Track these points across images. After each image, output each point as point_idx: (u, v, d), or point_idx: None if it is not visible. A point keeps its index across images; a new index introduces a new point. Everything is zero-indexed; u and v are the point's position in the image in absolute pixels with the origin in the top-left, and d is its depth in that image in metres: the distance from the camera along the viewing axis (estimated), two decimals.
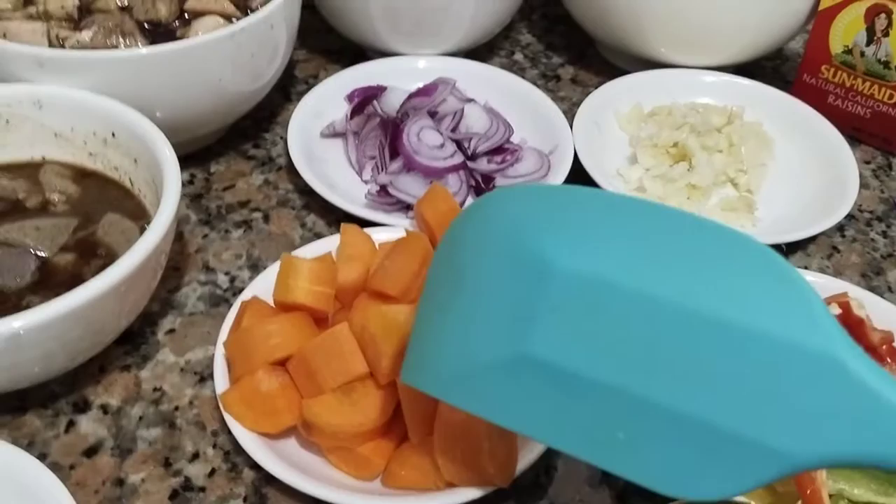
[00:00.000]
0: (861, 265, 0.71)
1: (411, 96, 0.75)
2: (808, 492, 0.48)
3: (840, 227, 0.74)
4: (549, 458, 0.55)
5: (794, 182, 0.74)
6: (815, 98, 0.82)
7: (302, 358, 0.50)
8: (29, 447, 0.52)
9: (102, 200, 0.59)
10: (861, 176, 0.79)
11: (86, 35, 0.64)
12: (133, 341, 0.59)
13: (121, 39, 0.64)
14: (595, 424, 0.37)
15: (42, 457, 0.52)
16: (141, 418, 0.55)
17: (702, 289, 0.35)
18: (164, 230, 0.51)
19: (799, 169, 0.76)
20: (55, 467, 0.51)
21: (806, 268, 0.68)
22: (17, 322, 0.45)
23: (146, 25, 0.66)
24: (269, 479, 0.51)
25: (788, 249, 0.70)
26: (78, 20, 0.66)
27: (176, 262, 0.65)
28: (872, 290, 0.68)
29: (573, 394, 0.37)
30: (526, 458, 0.50)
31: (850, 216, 0.75)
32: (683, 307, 0.35)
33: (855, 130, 0.82)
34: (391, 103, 0.75)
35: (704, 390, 0.35)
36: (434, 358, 0.41)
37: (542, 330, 0.36)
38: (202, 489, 0.52)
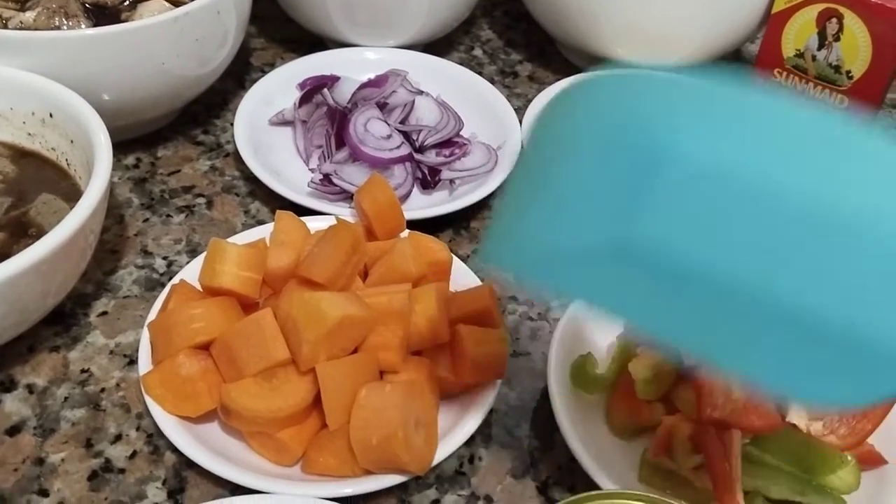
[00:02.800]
0: None
1: (362, 87, 0.75)
2: (722, 487, 0.49)
3: None
4: (473, 448, 0.55)
5: None
6: None
7: (224, 342, 0.50)
8: None
9: (39, 180, 0.59)
10: None
11: (29, 16, 0.63)
12: (64, 322, 0.59)
13: (64, 21, 0.63)
14: (701, 316, 0.35)
15: None
16: (66, 399, 0.55)
17: (834, 183, 0.33)
18: (89, 211, 0.51)
19: None
20: None
21: None
22: None
23: (91, 8, 0.66)
24: (190, 463, 0.51)
25: None
26: (23, 1, 0.66)
27: (114, 244, 0.65)
28: None
29: (681, 284, 0.34)
30: (446, 448, 0.50)
31: None
32: (815, 200, 0.32)
33: None
34: (343, 93, 0.75)
35: (831, 287, 0.33)
36: (522, 240, 0.38)
37: (653, 214, 0.33)
38: (122, 471, 0.52)
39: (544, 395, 0.55)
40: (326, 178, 0.68)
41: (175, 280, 0.56)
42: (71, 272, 0.54)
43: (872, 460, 0.53)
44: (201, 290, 0.54)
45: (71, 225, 0.49)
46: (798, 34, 0.78)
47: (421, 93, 0.75)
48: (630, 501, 0.44)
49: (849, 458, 0.51)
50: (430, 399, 0.51)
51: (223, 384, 0.49)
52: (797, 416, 0.52)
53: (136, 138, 0.73)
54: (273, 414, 0.48)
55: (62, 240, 0.49)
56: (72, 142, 0.59)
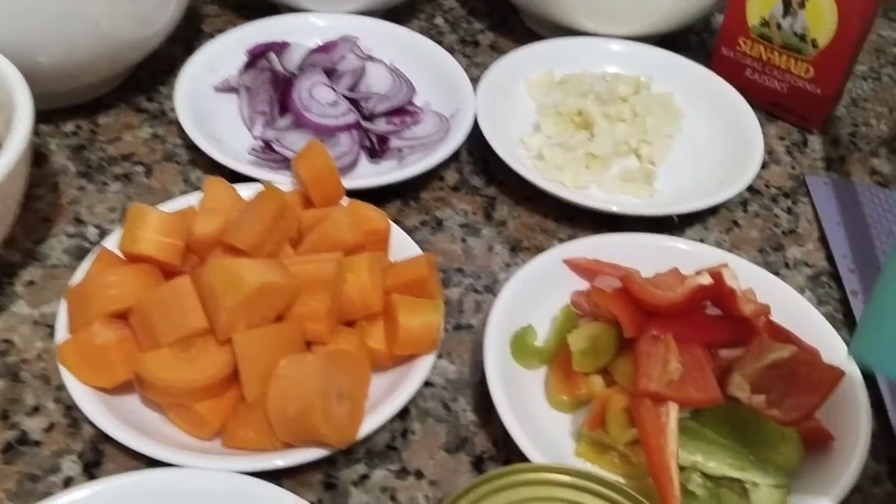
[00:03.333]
0: (760, 240, 0.69)
1: (311, 53, 0.72)
2: (656, 461, 0.47)
3: (743, 202, 0.72)
4: (406, 422, 0.53)
5: (699, 156, 0.73)
6: (733, 72, 0.80)
7: (140, 310, 0.48)
8: None
9: None
10: (773, 152, 0.78)
11: None
12: None
13: None
14: None
15: None
16: None
17: None
18: (2, 173, 0.48)
19: (706, 143, 0.74)
20: None
21: (702, 241, 0.66)
22: None
23: None
24: (109, 437, 0.49)
25: (686, 222, 0.69)
26: None
27: (46, 212, 0.63)
28: (768, 265, 0.66)
29: None
30: (373, 421, 0.49)
31: (755, 191, 0.73)
32: None
33: (772, 106, 0.81)
34: (292, 60, 0.72)
35: None
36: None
37: None
38: (37, 443, 0.50)
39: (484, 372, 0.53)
40: (268, 145, 0.65)
41: (99, 247, 0.54)
42: None
43: (819, 436, 0.51)
44: (123, 257, 0.52)
45: None
46: (763, 1, 0.76)
47: (372, 59, 0.73)
48: (556, 475, 0.43)
49: (792, 433, 0.49)
50: (358, 371, 0.49)
51: (138, 354, 0.47)
52: (738, 390, 0.50)
53: (77, 105, 0.71)
54: (189, 385, 0.46)
55: None
56: None
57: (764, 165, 0.75)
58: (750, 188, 0.73)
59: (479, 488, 0.41)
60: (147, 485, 0.44)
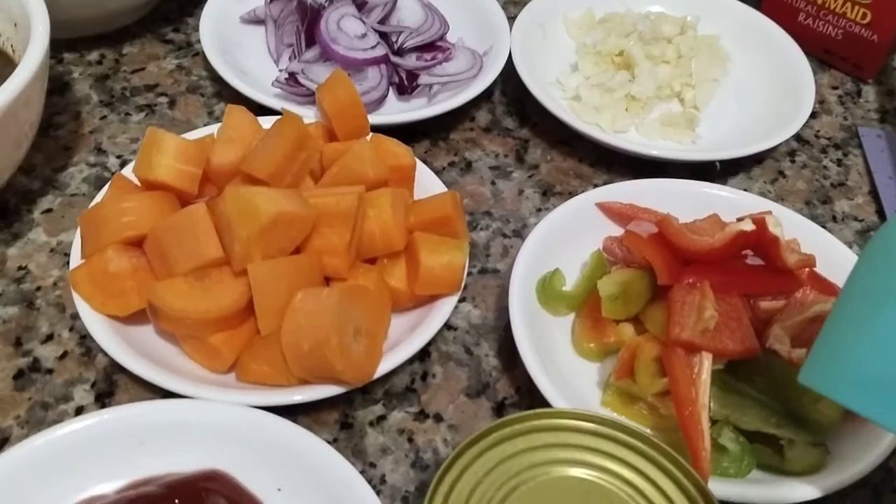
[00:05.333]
0: (807, 192, 0.66)
1: None
2: (686, 413, 0.45)
3: (791, 152, 0.69)
4: (427, 365, 0.51)
5: (745, 102, 0.69)
6: (785, 16, 0.76)
7: (155, 237, 0.46)
8: None
9: None
10: (825, 101, 0.74)
11: None
12: (6, 218, 0.56)
13: None
14: None
15: None
16: (0, 295, 0.52)
17: None
18: (13, 94, 0.47)
19: (753, 88, 0.70)
20: None
21: (746, 190, 0.63)
22: None
23: None
24: (122, 367, 0.48)
25: (729, 171, 0.65)
26: None
27: (67, 141, 0.61)
28: (815, 218, 0.63)
29: None
30: (392, 361, 0.47)
31: (804, 141, 0.70)
32: None
33: (825, 53, 0.77)
34: None
35: None
36: (855, 364, 0.38)
37: None
38: (50, 371, 0.49)
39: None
40: (293, 77, 0.63)
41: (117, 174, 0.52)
42: (4, 159, 0.50)
43: None
44: (139, 184, 0.51)
45: None
46: None
47: None
48: (579, 421, 0.41)
49: None
50: (377, 308, 0.47)
51: (152, 283, 0.46)
52: (778, 343, 0.47)
53: (103, 35, 0.69)
54: (203, 316, 0.45)
55: None
56: (15, 25, 0.55)
57: (814, 115, 0.72)
58: (799, 138, 0.69)
59: (498, 431, 0.40)
60: (159, 415, 0.43)
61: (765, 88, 0.70)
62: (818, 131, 0.71)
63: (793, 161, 0.68)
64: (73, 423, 0.42)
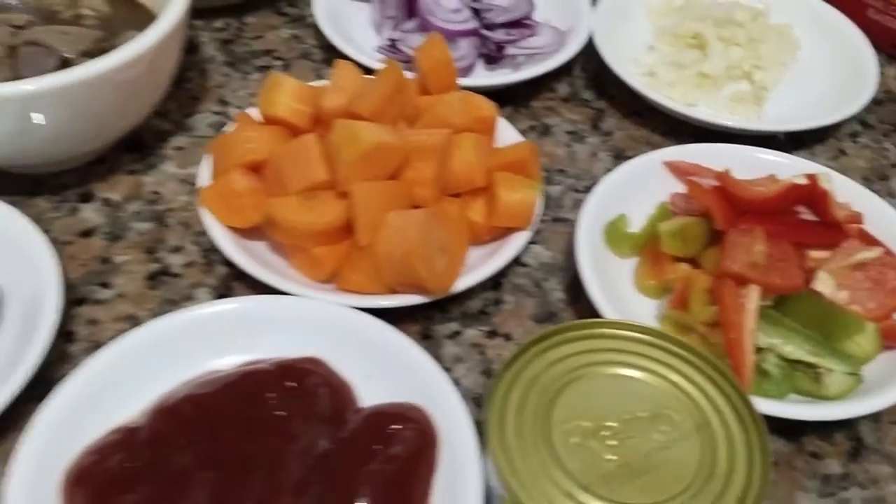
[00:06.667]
0: (866, 169, 0.69)
1: None
2: (732, 337, 0.50)
3: (853, 134, 0.72)
4: (499, 293, 0.57)
5: (811, 85, 0.73)
6: (856, 11, 0.79)
7: (272, 161, 0.54)
8: (35, 224, 0.58)
9: (128, 21, 0.64)
10: (890, 91, 0.77)
11: None
12: (142, 151, 0.64)
13: None
14: None
15: (45, 232, 0.58)
16: (136, 213, 0.60)
17: None
18: (156, 38, 0.55)
19: (820, 74, 0.74)
20: (53, 242, 0.56)
21: None
22: (28, 86, 0.50)
23: None
24: (238, 276, 0.56)
25: (792, 146, 0.70)
26: None
27: (195, 92, 0.70)
28: (872, 193, 0.67)
29: None
30: (469, 279, 0.53)
31: (867, 125, 0.73)
32: None
33: (894, 48, 0.80)
34: None
35: None
36: None
37: None
38: (177, 275, 0.57)
39: None
40: (394, 44, 0.70)
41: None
42: (142, 98, 0.59)
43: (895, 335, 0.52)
44: (261, 120, 0.59)
45: (135, 47, 0.54)
46: None
47: None
48: (632, 332, 0.46)
49: (869, 324, 0.51)
50: (457, 232, 0.54)
51: (269, 199, 0.53)
52: (823, 285, 0.52)
53: (228, 6, 0.78)
54: (310, 227, 0.52)
55: (131, 56, 0.53)
56: None
57: (879, 102, 0.75)
58: (862, 122, 0.73)
59: (559, 334, 0.45)
60: (270, 308, 0.50)
61: (831, 74, 0.74)
62: (882, 118, 0.74)
63: (854, 141, 0.72)
64: (200, 308, 0.50)
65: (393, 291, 0.52)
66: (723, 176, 0.56)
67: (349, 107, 0.55)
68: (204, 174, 0.57)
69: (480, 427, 0.42)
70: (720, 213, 0.54)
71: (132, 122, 0.60)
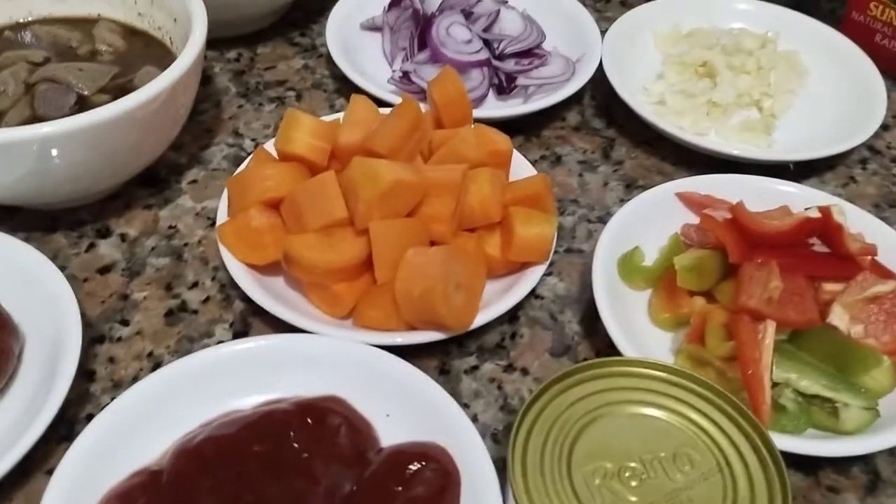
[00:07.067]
0: (875, 196, 0.70)
1: None
2: (749, 373, 0.50)
3: (863, 160, 0.73)
4: (516, 327, 0.58)
5: (821, 112, 0.74)
6: (863, 36, 0.80)
7: (291, 199, 0.54)
8: (52, 260, 0.59)
9: (144, 55, 0.65)
10: None
11: None
12: (158, 186, 0.65)
13: None
14: None
15: (61, 269, 0.58)
16: (153, 248, 0.61)
17: None
18: (177, 75, 0.56)
19: (829, 101, 0.75)
20: (71, 279, 0.57)
21: None
22: (46, 128, 0.51)
23: None
24: (256, 311, 0.56)
25: (802, 174, 0.70)
26: None
27: (209, 125, 0.70)
28: (883, 220, 0.67)
29: None
30: (486, 315, 0.53)
31: (876, 151, 0.74)
32: None
33: None
34: (433, 1, 0.78)
35: None
36: None
37: None
38: (195, 312, 0.57)
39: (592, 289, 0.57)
40: (406, 75, 0.71)
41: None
42: (161, 134, 0.59)
43: None
44: (277, 157, 0.59)
45: (158, 85, 0.54)
46: None
47: (506, 5, 0.78)
48: (651, 370, 0.46)
49: (885, 359, 0.51)
50: (475, 268, 0.54)
51: (288, 236, 0.54)
52: (838, 319, 0.52)
53: (239, 36, 0.79)
54: (329, 265, 0.52)
55: (149, 96, 0.54)
56: (175, 20, 0.64)
57: (887, 128, 0.76)
58: (871, 148, 0.74)
59: (580, 373, 0.45)
60: (289, 346, 0.51)
61: (840, 101, 0.74)
62: (890, 143, 0.75)
63: (864, 168, 0.72)
64: (220, 348, 0.50)
65: (411, 327, 0.53)
66: (736, 209, 0.56)
67: (366, 143, 0.56)
68: (222, 210, 0.58)
69: (499, 465, 0.43)
70: (735, 247, 0.55)
71: (150, 158, 0.60)
